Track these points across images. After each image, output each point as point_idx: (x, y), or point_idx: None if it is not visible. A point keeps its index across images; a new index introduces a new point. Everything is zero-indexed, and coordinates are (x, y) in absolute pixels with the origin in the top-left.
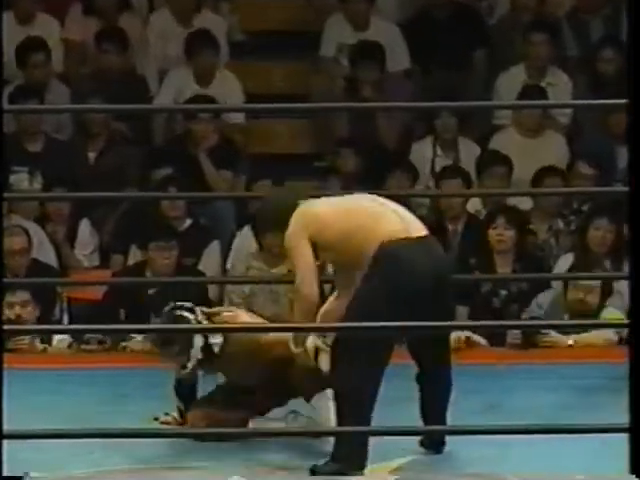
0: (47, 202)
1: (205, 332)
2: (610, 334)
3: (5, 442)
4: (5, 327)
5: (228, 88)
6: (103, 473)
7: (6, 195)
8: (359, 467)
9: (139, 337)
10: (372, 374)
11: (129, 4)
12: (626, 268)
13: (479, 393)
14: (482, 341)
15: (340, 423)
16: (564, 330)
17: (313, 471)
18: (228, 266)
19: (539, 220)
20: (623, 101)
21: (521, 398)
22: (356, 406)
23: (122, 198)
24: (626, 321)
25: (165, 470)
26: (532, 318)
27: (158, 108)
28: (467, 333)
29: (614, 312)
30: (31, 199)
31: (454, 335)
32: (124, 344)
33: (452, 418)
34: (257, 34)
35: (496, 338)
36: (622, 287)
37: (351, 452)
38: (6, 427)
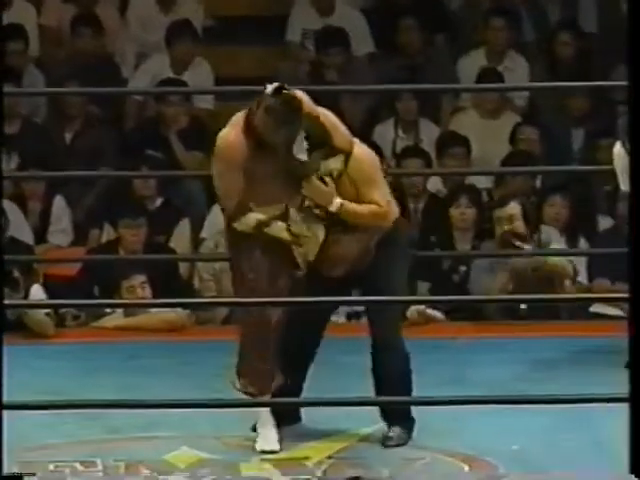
0: (23, 182)
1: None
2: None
3: None
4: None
5: (201, 75)
6: (69, 444)
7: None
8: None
9: (114, 313)
10: None
11: None
12: (581, 243)
13: (438, 366)
14: (438, 315)
15: None
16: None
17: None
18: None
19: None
20: (581, 84)
21: (481, 371)
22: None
23: (95, 177)
24: (626, 295)
25: (130, 440)
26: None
27: (134, 91)
28: (422, 307)
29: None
30: (5, 178)
31: (412, 309)
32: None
33: (414, 391)
34: (225, 19)
35: (455, 312)
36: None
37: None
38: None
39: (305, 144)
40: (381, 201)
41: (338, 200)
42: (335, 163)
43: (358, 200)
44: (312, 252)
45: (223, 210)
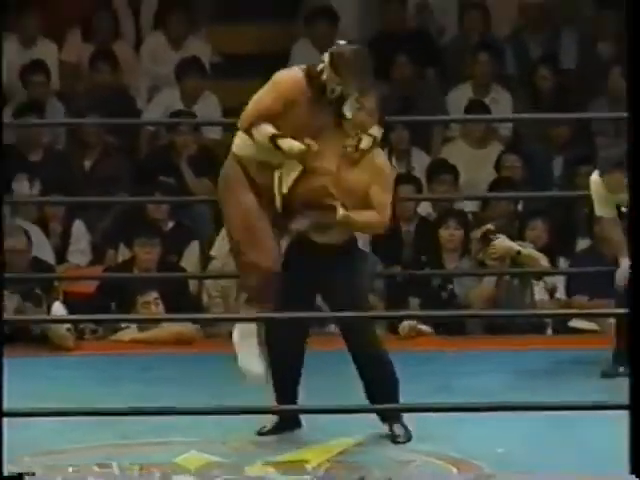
0: (45, 206)
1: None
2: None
3: None
4: (5, 317)
5: (209, 107)
6: (84, 449)
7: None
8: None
9: (129, 327)
10: None
11: (121, 31)
12: (561, 262)
13: (428, 377)
14: (427, 329)
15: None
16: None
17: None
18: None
19: (486, 223)
20: (562, 116)
21: (468, 381)
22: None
23: (111, 202)
24: (626, 310)
25: (143, 445)
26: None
27: (148, 122)
28: (413, 322)
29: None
30: (28, 203)
31: (404, 324)
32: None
33: (404, 399)
34: (231, 56)
35: (442, 327)
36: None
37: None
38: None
39: (356, 105)
40: (386, 207)
41: (341, 211)
42: (375, 131)
43: (367, 195)
44: (286, 183)
45: (239, 121)
